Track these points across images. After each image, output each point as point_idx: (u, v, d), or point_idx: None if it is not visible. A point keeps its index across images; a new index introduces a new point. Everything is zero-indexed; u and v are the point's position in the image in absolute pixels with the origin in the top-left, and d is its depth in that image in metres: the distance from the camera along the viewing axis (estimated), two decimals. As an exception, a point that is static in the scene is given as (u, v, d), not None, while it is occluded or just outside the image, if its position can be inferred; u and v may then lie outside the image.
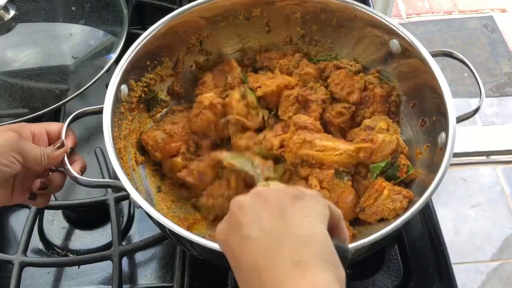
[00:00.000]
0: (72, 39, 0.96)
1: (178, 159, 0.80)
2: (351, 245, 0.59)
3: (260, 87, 0.85)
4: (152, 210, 0.62)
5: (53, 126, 0.67)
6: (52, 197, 0.85)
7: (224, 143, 0.83)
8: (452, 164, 0.65)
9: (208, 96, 0.81)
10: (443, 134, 0.70)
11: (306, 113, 0.82)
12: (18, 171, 0.61)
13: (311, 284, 0.38)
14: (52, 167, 0.67)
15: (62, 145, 0.65)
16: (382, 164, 0.76)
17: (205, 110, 0.81)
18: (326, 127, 0.83)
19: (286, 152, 0.77)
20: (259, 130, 0.83)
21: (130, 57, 0.77)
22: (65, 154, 0.65)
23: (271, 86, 0.84)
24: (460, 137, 0.69)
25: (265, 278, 0.40)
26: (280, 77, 0.86)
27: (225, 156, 0.78)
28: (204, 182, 0.78)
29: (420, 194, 0.64)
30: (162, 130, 0.80)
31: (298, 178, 0.77)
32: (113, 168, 0.65)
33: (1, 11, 0.92)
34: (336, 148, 0.76)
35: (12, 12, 0.93)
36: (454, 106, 0.70)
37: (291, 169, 0.78)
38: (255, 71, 0.92)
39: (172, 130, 0.80)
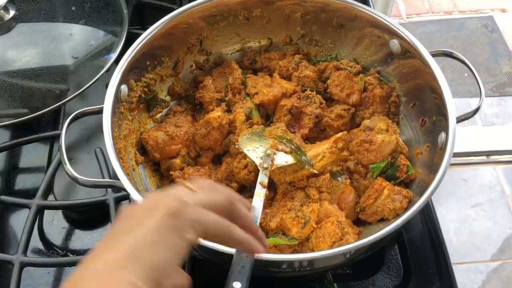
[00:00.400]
0: (72, 39, 0.96)
1: (177, 160, 0.80)
2: (352, 245, 0.60)
3: (257, 93, 0.85)
4: (152, 210, 0.62)
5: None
6: (52, 197, 0.85)
7: (226, 153, 0.83)
8: (452, 164, 0.64)
9: (216, 117, 0.81)
10: (443, 134, 0.70)
11: (297, 126, 0.83)
12: None
13: None
14: None
15: None
16: (382, 165, 0.76)
17: (213, 131, 0.81)
18: (325, 130, 0.84)
19: (274, 179, 0.77)
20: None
21: (130, 57, 0.77)
22: (64, 152, 0.65)
23: (268, 95, 0.84)
24: (460, 137, 0.69)
25: None
26: (277, 86, 0.85)
27: (240, 140, 0.77)
28: None
29: (420, 194, 0.64)
30: (164, 131, 0.80)
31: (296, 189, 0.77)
32: (113, 168, 0.65)
33: (1, 11, 0.92)
34: (316, 155, 0.76)
35: (12, 12, 0.93)
36: (454, 106, 0.70)
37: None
38: (255, 72, 0.92)
39: (174, 133, 0.80)
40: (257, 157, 0.73)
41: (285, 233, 0.71)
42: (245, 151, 0.74)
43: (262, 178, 0.71)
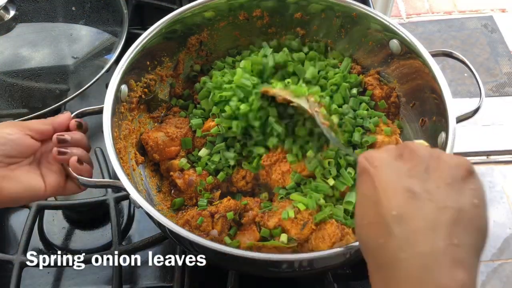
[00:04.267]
0: (72, 39, 0.96)
1: (176, 161, 0.80)
2: (352, 245, 0.60)
3: None
4: (152, 210, 0.62)
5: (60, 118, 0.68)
6: (52, 197, 0.85)
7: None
8: (452, 164, 0.64)
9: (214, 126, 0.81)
10: (443, 134, 0.70)
11: None
12: (35, 147, 0.64)
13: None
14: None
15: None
16: None
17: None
18: None
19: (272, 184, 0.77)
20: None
21: (130, 57, 0.77)
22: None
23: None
24: (460, 137, 0.69)
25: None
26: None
27: (276, 91, 0.75)
28: (191, 189, 0.77)
29: (420, 194, 0.64)
30: (164, 132, 0.80)
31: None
32: (113, 168, 0.65)
33: (1, 11, 0.92)
34: None
35: (12, 12, 0.93)
36: (454, 106, 0.70)
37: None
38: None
39: (174, 134, 0.80)
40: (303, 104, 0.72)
41: (285, 232, 0.71)
42: (285, 95, 0.72)
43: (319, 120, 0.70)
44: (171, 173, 0.78)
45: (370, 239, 0.42)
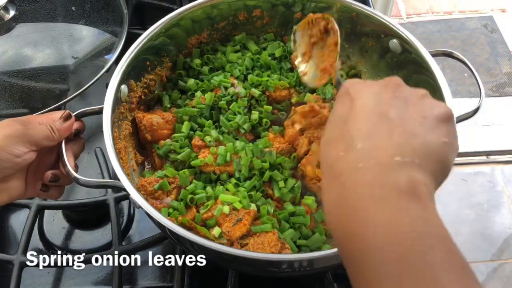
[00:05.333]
0: (72, 39, 0.96)
1: (162, 141, 0.80)
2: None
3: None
4: (152, 210, 0.62)
5: (58, 114, 0.67)
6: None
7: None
8: (452, 164, 0.64)
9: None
10: (443, 134, 0.70)
11: None
12: (32, 160, 0.62)
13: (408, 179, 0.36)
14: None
15: (69, 116, 0.66)
16: None
17: None
18: None
19: None
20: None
21: (130, 57, 0.77)
22: (65, 158, 0.65)
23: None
24: (460, 137, 0.69)
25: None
26: None
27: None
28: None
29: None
30: (159, 114, 0.81)
31: None
32: (113, 168, 0.65)
33: (1, 11, 0.92)
34: None
35: (12, 12, 0.93)
36: (454, 106, 0.70)
37: None
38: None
39: (168, 117, 0.81)
40: None
41: (218, 223, 0.69)
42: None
43: None
44: (153, 149, 0.79)
45: (331, 153, 0.42)
